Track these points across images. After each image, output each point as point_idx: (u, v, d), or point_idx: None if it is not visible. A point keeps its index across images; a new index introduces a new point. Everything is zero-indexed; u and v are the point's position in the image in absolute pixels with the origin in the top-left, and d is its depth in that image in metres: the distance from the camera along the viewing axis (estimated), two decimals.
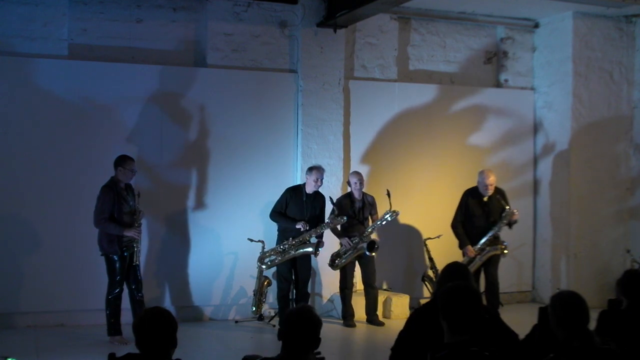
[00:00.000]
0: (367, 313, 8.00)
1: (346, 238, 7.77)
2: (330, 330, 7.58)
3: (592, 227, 9.13)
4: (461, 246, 7.93)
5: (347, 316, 7.93)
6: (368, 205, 7.95)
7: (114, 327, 6.82)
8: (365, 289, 8.00)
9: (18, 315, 7.31)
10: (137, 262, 6.92)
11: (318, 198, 7.68)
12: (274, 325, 7.62)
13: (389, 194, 7.73)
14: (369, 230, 7.80)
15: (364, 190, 7.96)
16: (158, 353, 3.12)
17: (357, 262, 7.94)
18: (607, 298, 4.81)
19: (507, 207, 7.81)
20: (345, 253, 7.79)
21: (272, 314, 7.94)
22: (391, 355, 4.19)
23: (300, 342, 3.18)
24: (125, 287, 6.92)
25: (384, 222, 7.80)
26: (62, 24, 7.62)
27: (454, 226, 8.04)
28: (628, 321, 4.27)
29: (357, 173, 7.97)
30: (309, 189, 7.61)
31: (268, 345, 6.82)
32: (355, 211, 7.86)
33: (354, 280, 8.13)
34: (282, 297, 7.61)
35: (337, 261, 7.82)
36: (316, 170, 7.61)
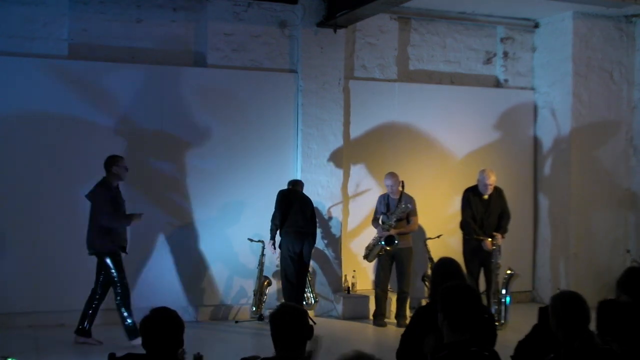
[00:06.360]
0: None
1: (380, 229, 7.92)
2: (332, 329, 7.58)
3: (592, 227, 9.12)
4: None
5: (377, 315, 8.00)
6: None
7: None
8: (397, 292, 8.07)
9: (18, 315, 7.30)
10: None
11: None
12: None
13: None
14: (390, 222, 7.83)
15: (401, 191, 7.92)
16: (163, 353, 3.13)
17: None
18: (608, 298, 4.81)
19: (512, 272, 7.88)
20: (374, 246, 7.94)
21: None
22: (397, 357, 4.20)
23: (292, 338, 3.18)
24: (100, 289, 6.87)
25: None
26: (62, 24, 7.62)
27: (465, 224, 7.98)
28: (629, 317, 4.28)
29: (391, 175, 7.94)
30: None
31: (268, 346, 6.79)
32: (389, 209, 7.93)
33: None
34: (288, 299, 7.47)
35: (367, 253, 8.00)
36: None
